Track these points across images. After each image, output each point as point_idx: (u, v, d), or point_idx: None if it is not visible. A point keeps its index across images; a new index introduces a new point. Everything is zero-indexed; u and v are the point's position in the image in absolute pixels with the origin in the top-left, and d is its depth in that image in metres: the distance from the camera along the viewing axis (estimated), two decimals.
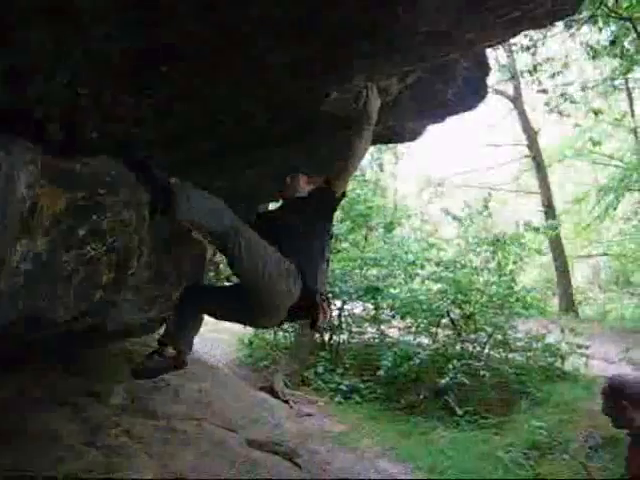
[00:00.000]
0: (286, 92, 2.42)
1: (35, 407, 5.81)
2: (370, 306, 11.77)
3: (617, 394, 3.11)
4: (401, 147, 28.75)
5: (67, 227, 2.07)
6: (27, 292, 2.02)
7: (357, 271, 12.18)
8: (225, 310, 3.34)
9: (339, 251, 12.45)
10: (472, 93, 3.86)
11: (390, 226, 12.48)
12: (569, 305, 18.48)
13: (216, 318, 3.55)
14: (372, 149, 24.79)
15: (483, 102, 4.04)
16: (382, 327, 11.78)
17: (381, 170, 27.11)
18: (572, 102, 13.85)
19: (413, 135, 4.28)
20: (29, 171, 1.82)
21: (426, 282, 11.60)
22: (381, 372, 9.42)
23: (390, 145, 26.37)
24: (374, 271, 11.99)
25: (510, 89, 20.66)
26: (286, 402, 9.40)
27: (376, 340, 11.76)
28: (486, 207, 11.80)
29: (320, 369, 10.64)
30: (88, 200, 2.12)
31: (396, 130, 3.92)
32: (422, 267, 11.21)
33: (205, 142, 2.93)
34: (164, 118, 2.37)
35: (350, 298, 11.38)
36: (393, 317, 11.54)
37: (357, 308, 12.32)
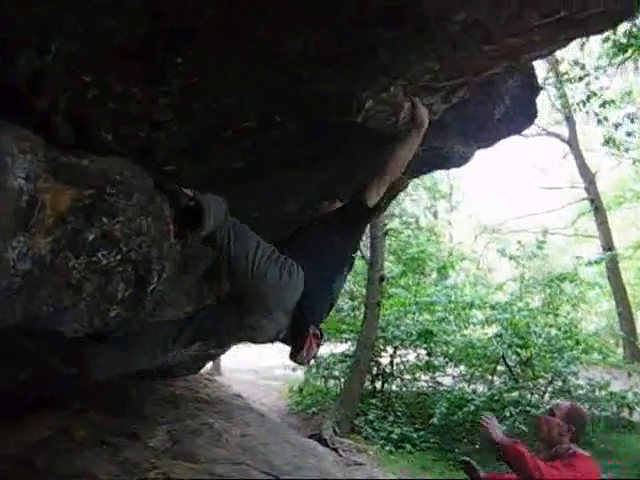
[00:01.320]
0: (309, 91, 2.27)
1: (76, 447, 5.71)
2: (423, 352, 11.41)
3: None
4: (456, 195, 28.65)
5: (73, 228, 1.95)
6: (27, 295, 1.90)
7: (410, 315, 11.87)
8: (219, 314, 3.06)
9: (391, 296, 12.21)
10: (521, 114, 3.67)
11: (443, 270, 12.16)
12: (634, 353, 17.36)
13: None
14: (425, 196, 24.72)
15: (532, 124, 3.85)
16: (435, 374, 11.37)
17: (435, 217, 26.96)
18: (628, 135, 13.16)
19: (461, 160, 4.07)
20: (26, 160, 1.72)
21: (481, 327, 11.19)
22: (434, 420, 9.03)
23: (443, 192, 26.25)
24: (427, 316, 11.64)
25: (565, 131, 20.24)
26: (335, 450, 9.07)
27: (429, 388, 11.34)
28: (540, 247, 11.39)
29: (371, 416, 10.31)
30: (96, 200, 2.00)
31: (443, 154, 3.73)
32: (478, 309, 10.83)
33: (232, 158, 2.80)
34: (183, 120, 2.26)
35: (402, 343, 11.06)
36: (447, 364, 11.12)
37: (410, 355, 11.98)
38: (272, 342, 3.14)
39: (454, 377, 11.22)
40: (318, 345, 3.02)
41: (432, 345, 10.89)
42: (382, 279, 11.01)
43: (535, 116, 3.83)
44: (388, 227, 13.46)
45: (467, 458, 3.73)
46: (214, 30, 1.79)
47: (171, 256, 2.56)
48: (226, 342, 3.30)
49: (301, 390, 13.22)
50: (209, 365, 15.27)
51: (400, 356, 11.87)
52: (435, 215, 27.30)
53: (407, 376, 11.82)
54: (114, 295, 2.28)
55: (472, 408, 8.61)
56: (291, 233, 3.32)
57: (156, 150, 2.38)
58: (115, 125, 2.14)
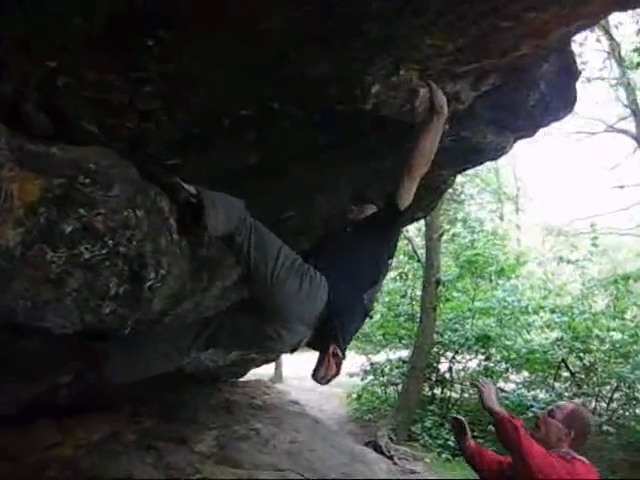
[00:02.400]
0: (302, 75, 2.14)
1: (123, 450, 5.78)
2: (482, 357, 11.06)
3: None
4: (524, 198, 27.86)
5: (47, 220, 1.89)
6: None
7: (469, 320, 11.54)
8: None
9: (448, 299, 11.93)
10: (558, 100, 3.43)
11: (502, 273, 11.72)
12: None
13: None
14: (490, 198, 24.14)
15: (572, 111, 3.60)
16: (494, 380, 10.97)
17: (501, 219, 26.28)
18: None
19: (497, 152, 3.83)
20: None
21: (541, 331, 10.75)
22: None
23: (509, 193, 25.54)
24: (486, 320, 11.27)
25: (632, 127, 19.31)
26: (390, 458, 8.88)
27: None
28: (595, 245, 10.84)
29: (428, 424, 10.06)
30: (68, 189, 1.94)
31: (474, 145, 3.52)
32: (536, 313, 10.40)
33: (241, 152, 2.71)
34: (172, 109, 2.17)
35: (460, 349, 10.75)
36: (507, 370, 10.72)
37: (471, 362, 11.63)
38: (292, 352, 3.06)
39: (517, 383, 10.81)
40: (338, 365, 2.85)
41: (490, 350, 10.52)
42: (438, 283, 10.77)
43: (574, 102, 3.57)
44: (452, 232, 13.20)
45: (459, 416, 3.49)
46: (186, 10, 1.70)
47: (171, 252, 2.49)
48: (247, 348, 3.17)
49: (359, 397, 13.08)
50: (271, 372, 15.39)
51: (459, 362, 11.56)
52: (501, 218, 26.59)
53: (466, 382, 11.45)
54: (105, 291, 2.22)
55: (530, 415, 8.24)
56: (320, 241, 3.21)
57: (149, 142, 2.31)
58: (98, 116, 2.08)
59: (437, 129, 2.77)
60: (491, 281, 11.89)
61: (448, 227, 11.30)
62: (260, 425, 6.89)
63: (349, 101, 2.40)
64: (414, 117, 2.78)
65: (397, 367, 11.92)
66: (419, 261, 11.44)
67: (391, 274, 15.47)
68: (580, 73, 3.43)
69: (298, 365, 16.50)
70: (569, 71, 3.38)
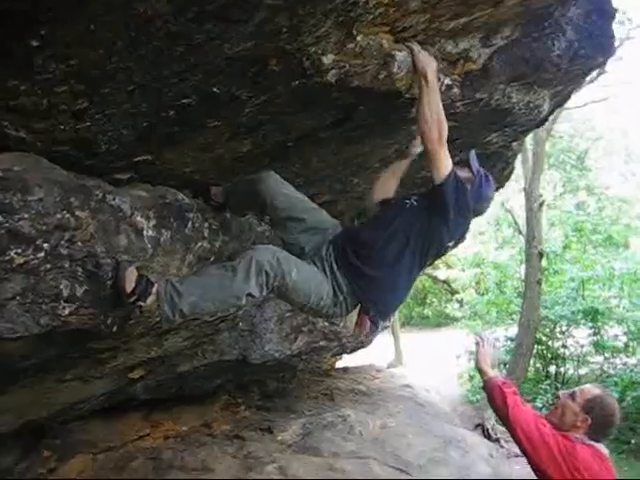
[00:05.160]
0: (221, 56, 1.96)
1: (210, 441, 5.96)
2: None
3: None
4: None
5: None
6: None
7: (582, 292, 10.79)
8: None
9: (557, 272, 11.22)
10: (590, 47, 3.01)
11: (609, 240, 10.81)
12: None
13: None
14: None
15: (612, 55, 3.17)
16: (613, 355, 10.20)
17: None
18: None
19: (533, 111, 3.42)
20: None
21: None
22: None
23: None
24: (598, 292, 10.46)
25: None
26: (496, 440, 8.54)
27: (609, 369, 10.19)
28: None
29: (539, 403, 9.54)
30: None
31: (496, 106, 3.17)
32: None
33: (223, 139, 2.59)
34: (102, 106, 2.09)
35: (568, 323, 10.08)
36: (626, 346, 9.89)
37: (583, 336, 10.89)
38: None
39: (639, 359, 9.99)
40: (372, 324, 2.91)
41: (600, 324, 9.76)
42: (541, 255, 10.15)
43: (612, 45, 3.13)
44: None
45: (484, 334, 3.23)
46: (58, 6, 1.62)
47: (140, 249, 2.46)
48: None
49: (471, 378, 12.71)
50: (392, 357, 15.33)
51: (573, 336, 10.84)
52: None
53: (581, 359, 10.75)
54: (56, 293, 2.24)
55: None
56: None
57: (94, 142, 2.28)
58: (21, 121, 2.07)
59: (428, 94, 2.54)
60: (599, 249, 11.03)
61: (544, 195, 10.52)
62: (351, 412, 6.84)
63: (302, 75, 2.24)
64: (395, 84, 2.56)
65: (504, 345, 11.42)
66: (520, 233, 10.83)
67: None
68: (616, 12, 3.00)
69: (420, 349, 16.38)
70: (602, 12, 2.98)
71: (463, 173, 2.85)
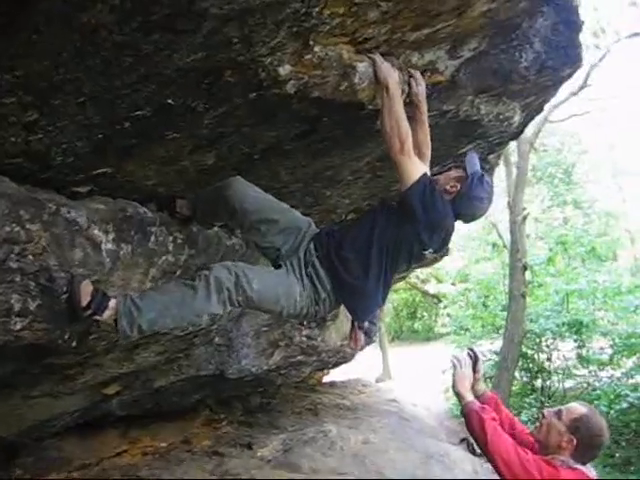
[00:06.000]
0: (170, 66, 1.94)
1: (187, 458, 5.87)
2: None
3: None
4: None
5: None
6: None
7: (560, 306, 10.78)
8: None
9: (540, 284, 11.23)
10: (557, 58, 3.02)
11: (592, 253, 10.83)
12: None
13: None
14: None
15: (579, 66, 3.18)
16: (598, 368, 10.17)
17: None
18: None
19: (503, 124, 3.43)
20: None
21: None
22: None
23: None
24: (580, 305, 10.43)
25: None
26: (481, 456, 8.46)
27: (595, 382, 10.16)
28: None
29: (524, 417, 9.47)
30: None
31: (465, 118, 3.16)
32: (631, 293, 9.53)
33: (186, 152, 2.57)
34: (53, 117, 2.05)
35: (553, 336, 10.06)
36: (611, 359, 9.84)
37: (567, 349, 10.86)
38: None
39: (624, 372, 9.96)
40: (366, 335, 3.07)
41: (584, 337, 9.75)
42: (525, 268, 10.15)
43: (580, 56, 3.14)
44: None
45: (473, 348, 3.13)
46: None
47: (96, 263, 2.43)
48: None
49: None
50: (379, 371, 15.24)
51: (559, 350, 10.81)
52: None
53: (566, 372, 10.72)
54: (8, 308, 2.21)
55: (625, 406, 7.51)
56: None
57: (47, 154, 2.25)
58: None
59: (389, 105, 2.54)
60: (583, 262, 11.05)
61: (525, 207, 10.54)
62: (333, 427, 6.77)
63: (259, 87, 2.21)
64: (357, 95, 2.55)
65: (490, 359, 11.36)
66: (505, 246, 10.84)
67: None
68: (583, 24, 3.01)
69: (409, 363, 16.29)
70: (569, 23, 2.99)
71: (457, 173, 2.88)
